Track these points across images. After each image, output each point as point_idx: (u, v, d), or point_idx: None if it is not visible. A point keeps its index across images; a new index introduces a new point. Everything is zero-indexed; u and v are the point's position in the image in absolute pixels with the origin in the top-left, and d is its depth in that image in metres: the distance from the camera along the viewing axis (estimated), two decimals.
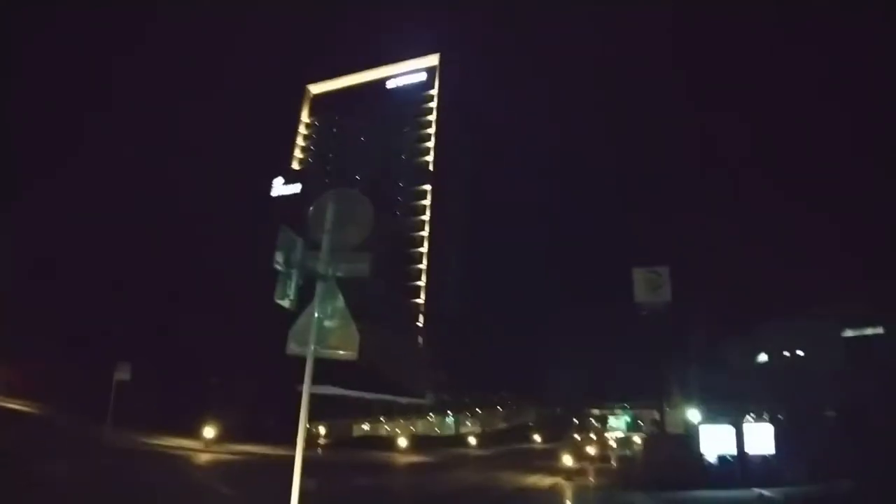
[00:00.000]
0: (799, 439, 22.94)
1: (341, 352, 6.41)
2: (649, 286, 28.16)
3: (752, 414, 25.81)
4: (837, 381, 30.94)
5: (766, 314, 40.63)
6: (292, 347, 6.32)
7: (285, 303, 6.18)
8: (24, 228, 37.91)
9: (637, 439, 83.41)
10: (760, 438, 23.17)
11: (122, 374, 27.33)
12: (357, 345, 6.44)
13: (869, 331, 36.71)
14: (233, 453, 31.12)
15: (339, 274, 6.42)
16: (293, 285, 6.11)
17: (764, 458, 23.00)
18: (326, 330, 6.33)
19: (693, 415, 30.35)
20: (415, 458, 40.27)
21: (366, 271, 6.44)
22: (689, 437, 26.91)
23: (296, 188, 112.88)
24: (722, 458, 23.27)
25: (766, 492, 20.69)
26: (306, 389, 6.28)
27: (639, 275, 28.42)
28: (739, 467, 22.97)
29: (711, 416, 26.67)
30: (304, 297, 6.38)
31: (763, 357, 39.08)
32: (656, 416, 78.75)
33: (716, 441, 23.50)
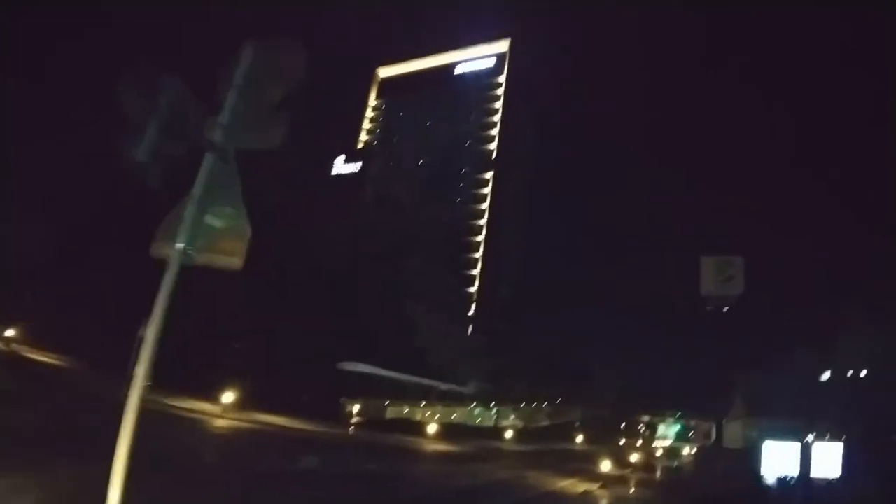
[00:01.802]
0: (870, 464, 19.58)
1: (222, 259, 4.19)
2: (719, 276, 24.69)
3: (812, 434, 22.42)
4: None
5: (835, 329, 36.74)
6: (158, 248, 4.15)
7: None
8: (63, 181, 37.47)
9: (686, 451, 79.37)
10: (827, 460, 19.97)
11: (146, 329, 26.73)
12: (244, 252, 4.22)
13: None
14: (252, 422, 29.76)
15: (240, 145, 4.20)
16: (147, 146, 3.90)
17: (829, 483, 19.78)
18: (208, 228, 4.13)
19: (754, 429, 27.25)
20: (444, 447, 38.16)
21: (277, 141, 4.19)
22: (748, 454, 23.90)
23: (356, 167, 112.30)
24: (782, 481, 20.19)
25: None
26: (157, 316, 4.08)
27: (708, 263, 24.94)
28: (802, 492, 19.86)
29: (774, 433, 23.48)
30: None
31: (827, 374, 35.07)
32: (710, 428, 74.62)
33: (778, 460, 20.43)
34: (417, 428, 47.88)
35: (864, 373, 32.79)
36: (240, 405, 31.50)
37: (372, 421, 50.24)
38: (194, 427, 22.08)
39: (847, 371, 32.22)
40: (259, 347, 41.24)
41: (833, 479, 19.76)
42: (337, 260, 67.57)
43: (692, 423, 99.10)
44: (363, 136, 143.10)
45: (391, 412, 58.40)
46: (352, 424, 46.46)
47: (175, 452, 14.05)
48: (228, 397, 30.32)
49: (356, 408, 54.69)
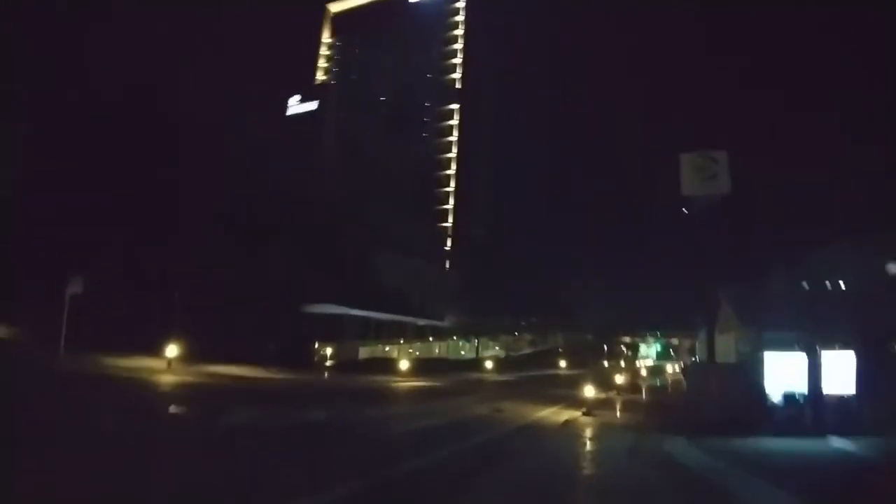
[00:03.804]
0: (884, 375, 17.33)
1: None
2: (702, 174, 22.13)
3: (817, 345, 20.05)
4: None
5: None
6: None
7: None
8: None
9: (670, 368, 79.13)
10: (839, 372, 17.68)
11: (75, 287, 24.87)
12: None
13: None
14: (203, 375, 27.01)
15: None
16: None
17: (841, 398, 17.55)
18: None
19: (748, 341, 25.14)
20: (419, 383, 35.96)
21: None
22: (745, 369, 21.68)
23: (313, 105, 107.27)
24: (789, 397, 17.93)
25: (847, 443, 15.41)
26: None
27: (689, 161, 22.37)
28: (812, 410, 17.63)
29: (773, 344, 21.26)
30: None
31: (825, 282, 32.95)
32: (694, 344, 73.94)
33: (782, 374, 18.13)
34: (393, 366, 45.72)
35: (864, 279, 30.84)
36: (190, 358, 28.76)
37: (346, 363, 47.94)
38: (124, 387, 19.20)
39: (847, 278, 30.16)
40: (214, 296, 38.22)
41: (847, 396, 17.46)
42: (300, 202, 64.19)
43: (673, 340, 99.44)
44: (320, 76, 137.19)
45: (366, 352, 56.14)
46: (325, 369, 44.34)
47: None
48: (173, 350, 27.37)
49: (329, 351, 52.26)
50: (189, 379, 24.26)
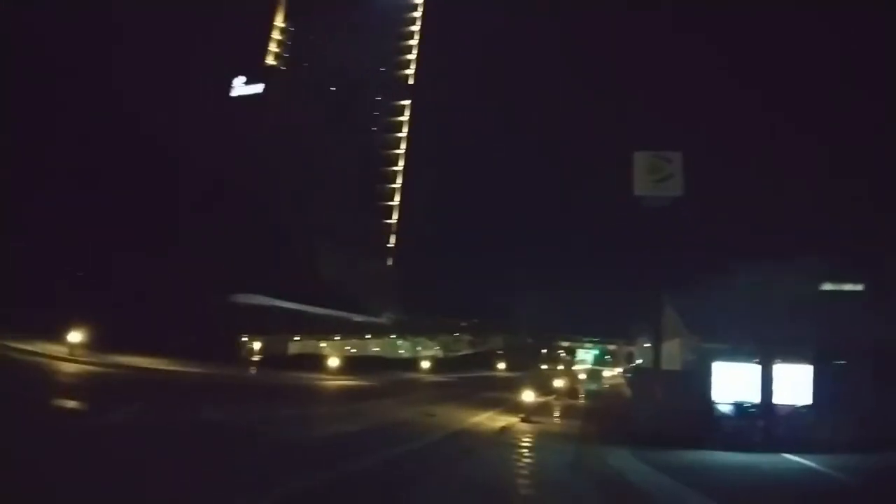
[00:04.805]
0: (843, 389, 16.38)
1: None
2: (655, 175, 20.97)
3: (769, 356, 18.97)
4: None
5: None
6: None
7: None
8: None
9: (606, 374, 79.07)
10: (794, 384, 16.66)
11: None
12: None
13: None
14: (108, 365, 24.22)
15: None
16: None
17: (796, 410, 16.51)
18: None
19: (695, 350, 24.06)
20: (350, 382, 33.82)
21: None
22: (693, 377, 20.48)
23: (258, 88, 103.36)
24: (739, 408, 16.76)
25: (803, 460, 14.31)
26: None
27: (642, 159, 21.17)
28: (764, 422, 16.50)
29: (723, 354, 20.16)
30: None
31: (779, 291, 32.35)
32: (631, 351, 74.02)
33: (732, 385, 16.98)
34: (324, 363, 43.26)
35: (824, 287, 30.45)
36: (98, 345, 25.88)
37: (274, 358, 45.28)
38: (12, 371, 16.71)
39: (801, 288, 29.60)
40: (129, 281, 35.22)
41: (801, 407, 16.46)
42: (233, 186, 61.26)
43: (611, 346, 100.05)
44: (269, 59, 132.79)
45: (297, 347, 53.52)
46: (251, 364, 41.77)
47: None
48: (76, 336, 24.46)
49: (257, 345, 49.47)
50: (89, 368, 21.67)
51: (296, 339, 56.05)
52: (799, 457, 14.67)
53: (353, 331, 68.88)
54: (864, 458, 14.42)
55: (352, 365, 44.59)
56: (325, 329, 62.72)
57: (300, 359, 46.05)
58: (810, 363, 17.28)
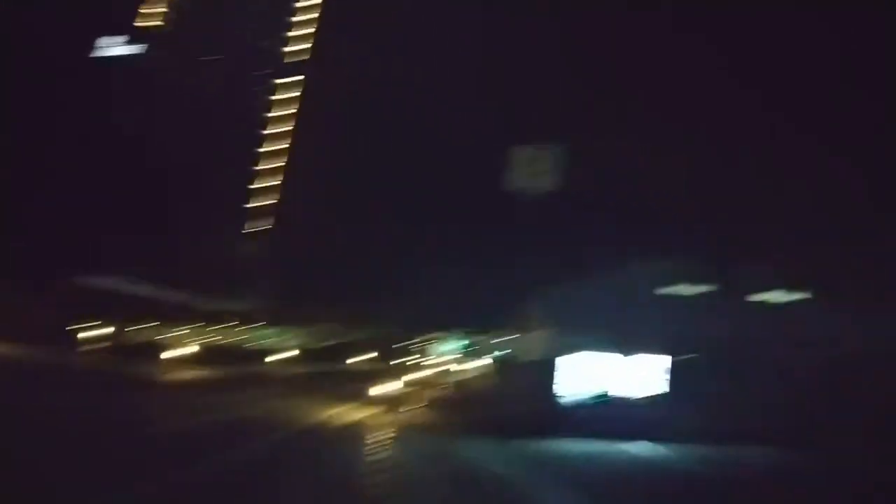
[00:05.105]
0: (698, 382, 17.18)
1: None
2: (532, 168, 21.24)
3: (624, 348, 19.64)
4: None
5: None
6: None
7: None
8: None
9: (472, 366, 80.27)
10: (649, 375, 17.22)
11: None
12: None
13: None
14: None
15: None
16: None
17: (650, 400, 17.06)
18: None
19: (554, 342, 24.54)
20: (196, 374, 31.56)
21: None
22: (551, 368, 20.77)
23: (134, 49, 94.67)
24: (596, 397, 17.05)
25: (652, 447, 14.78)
26: None
27: (520, 153, 21.35)
28: (618, 411, 16.90)
29: (580, 345, 20.59)
30: None
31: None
32: (497, 343, 75.73)
33: (585, 375, 17.25)
34: (176, 352, 40.32)
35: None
36: None
37: (118, 346, 41.70)
38: None
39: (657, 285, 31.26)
40: None
41: (654, 398, 17.02)
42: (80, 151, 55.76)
43: (478, 338, 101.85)
44: (152, 21, 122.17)
45: (146, 334, 49.59)
46: (89, 351, 38.34)
47: None
48: None
49: (99, 331, 45.36)
50: None
51: (145, 325, 52.07)
52: (648, 443, 15.11)
53: (213, 317, 65.22)
54: (716, 449, 15.08)
55: (208, 354, 42.07)
56: (180, 314, 58.85)
57: (147, 347, 42.79)
58: (664, 354, 17.96)
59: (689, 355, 19.00)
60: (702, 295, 31.12)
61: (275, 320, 72.79)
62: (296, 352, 60.35)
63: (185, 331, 58.15)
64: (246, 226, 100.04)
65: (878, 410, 16.84)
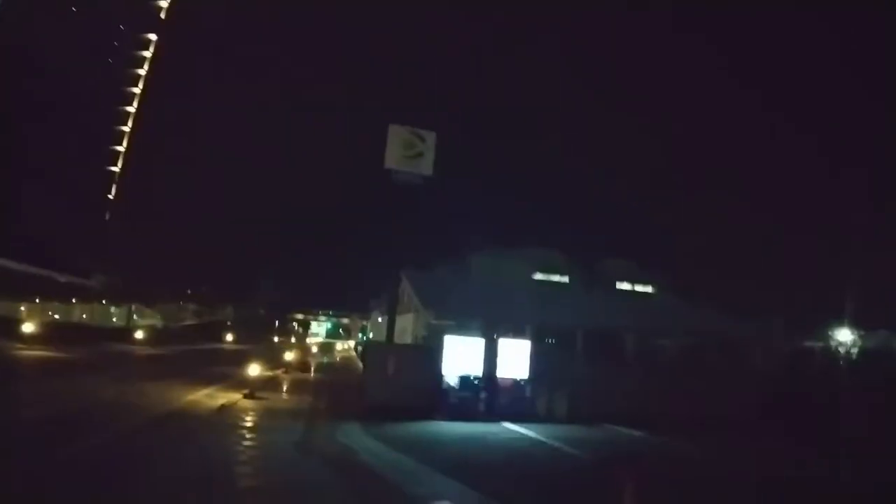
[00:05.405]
0: (561, 366, 18.12)
1: None
2: (407, 150, 21.03)
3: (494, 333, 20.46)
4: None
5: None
6: None
7: None
8: None
9: (340, 346, 79.76)
10: (515, 359, 17.85)
11: None
12: None
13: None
14: None
15: None
16: None
17: (516, 383, 17.73)
18: None
19: (426, 325, 24.81)
20: (44, 353, 28.77)
21: None
22: (424, 351, 21.02)
23: None
24: (465, 381, 17.43)
25: (522, 429, 15.43)
26: None
27: (396, 133, 21.11)
28: (487, 394, 17.40)
29: (451, 328, 21.05)
30: None
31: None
32: (366, 324, 75.53)
33: (459, 359, 17.58)
34: (14, 330, 36.41)
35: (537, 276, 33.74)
36: None
37: None
38: None
39: (520, 276, 32.52)
40: None
41: (520, 380, 17.69)
42: None
43: (344, 320, 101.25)
44: None
45: None
46: None
47: None
48: None
49: None
50: None
51: None
52: (518, 426, 15.78)
53: (57, 293, 59.75)
54: (574, 428, 16.04)
55: (52, 333, 38.29)
56: (21, 289, 53.36)
57: None
58: (528, 339, 18.81)
59: (546, 341, 20.13)
60: (554, 287, 33.20)
61: (132, 297, 68.06)
62: (154, 331, 56.88)
63: (32, 305, 53.00)
64: (99, 194, 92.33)
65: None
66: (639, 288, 36.81)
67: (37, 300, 59.38)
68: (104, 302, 69.19)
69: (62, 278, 60.46)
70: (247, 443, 11.89)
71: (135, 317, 68.78)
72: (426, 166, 21.49)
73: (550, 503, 9.02)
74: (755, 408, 19.21)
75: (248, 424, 14.08)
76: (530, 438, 14.51)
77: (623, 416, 17.01)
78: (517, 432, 15.24)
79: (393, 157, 21.12)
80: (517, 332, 19.31)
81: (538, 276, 34.01)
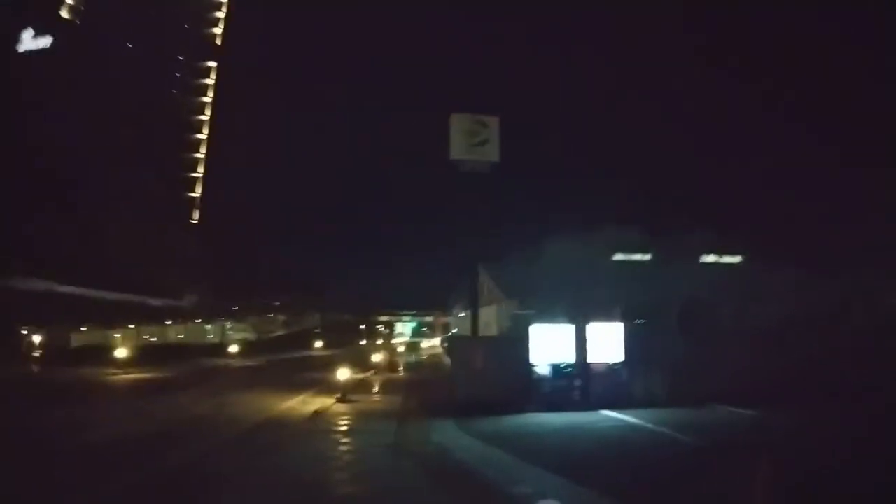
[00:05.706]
0: (656, 346, 17.08)
1: None
2: (471, 139, 20.49)
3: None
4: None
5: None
6: None
7: None
8: None
9: (425, 344, 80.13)
10: (607, 343, 17.00)
11: None
12: None
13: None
14: None
15: None
16: None
17: (611, 368, 16.88)
18: None
19: (511, 315, 24.27)
20: (142, 375, 30.03)
21: None
22: (511, 341, 20.42)
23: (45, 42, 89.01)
24: (557, 369, 16.74)
25: (624, 416, 14.62)
26: None
27: (458, 122, 20.60)
28: (581, 381, 16.66)
29: (538, 316, 20.33)
30: None
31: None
32: (448, 320, 75.51)
33: (549, 347, 16.90)
34: (113, 355, 38.27)
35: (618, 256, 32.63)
36: None
37: (55, 352, 39.53)
38: None
39: (600, 257, 31.48)
40: None
41: (614, 364, 16.82)
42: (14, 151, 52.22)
43: (427, 318, 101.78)
44: (63, 12, 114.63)
45: (83, 339, 47.31)
46: (31, 360, 36.24)
47: None
48: None
49: (36, 338, 43.07)
50: None
51: (82, 329, 49.58)
52: (617, 413, 14.97)
53: (150, 317, 62.67)
54: (678, 412, 15.00)
55: (149, 355, 40.12)
56: (117, 316, 56.26)
57: (84, 352, 40.55)
58: (620, 321, 17.89)
59: (637, 321, 19.07)
60: (637, 266, 31.85)
61: (223, 313, 70.83)
62: (247, 344, 58.89)
63: (128, 330, 55.77)
64: (183, 219, 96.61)
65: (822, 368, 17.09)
66: (725, 259, 35.00)
67: (131, 326, 62.17)
68: (198, 321, 72.08)
69: (155, 302, 63.49)
70: (342, 447, 11.72)
71: (229, 332, 71.49)
72: (493, 153, 20.88)
73: (677, 497, 7.94)
74: (869, 372, 17.44)
75: (343, 428, 13.96)
76: (634, 425, 13.69)
77: (728, 394, 15.79)
78: (619, 419, 14.44)
79: (458, 148, 20.62)
80: (604, 315, 18.37)
81: (618, 257, 32.75)
